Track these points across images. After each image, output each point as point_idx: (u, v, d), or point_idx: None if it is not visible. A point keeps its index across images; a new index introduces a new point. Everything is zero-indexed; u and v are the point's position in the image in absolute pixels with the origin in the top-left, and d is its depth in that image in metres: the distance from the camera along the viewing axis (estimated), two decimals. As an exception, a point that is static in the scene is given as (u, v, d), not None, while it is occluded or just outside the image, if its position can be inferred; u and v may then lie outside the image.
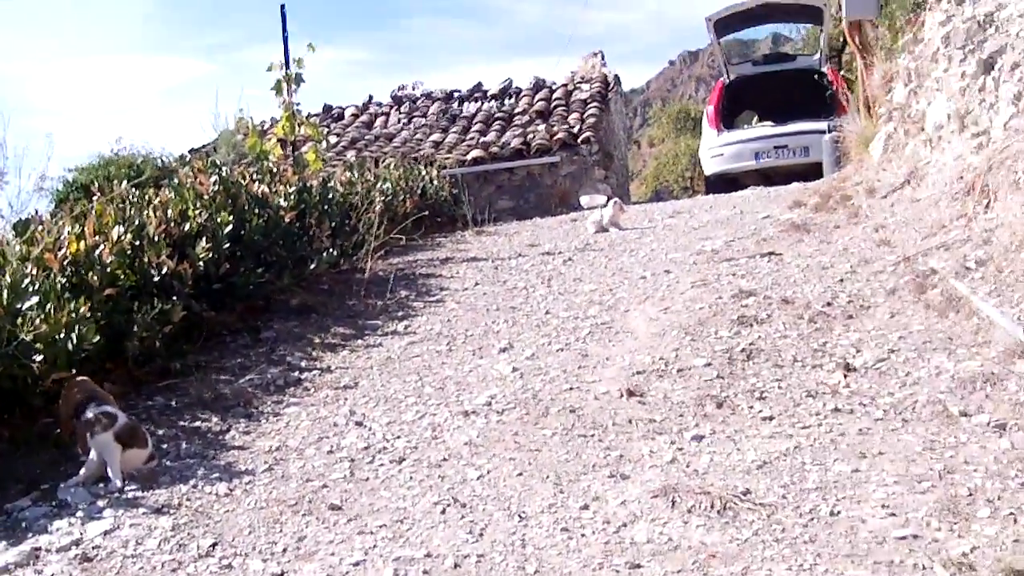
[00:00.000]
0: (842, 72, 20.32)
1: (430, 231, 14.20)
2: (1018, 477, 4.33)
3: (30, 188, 9.70)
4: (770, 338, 6.78)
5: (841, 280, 7.86)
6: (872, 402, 5.55)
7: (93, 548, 4.55)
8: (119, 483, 5.25)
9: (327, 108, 25.61)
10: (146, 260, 7.36)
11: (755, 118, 19.90)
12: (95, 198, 8.20)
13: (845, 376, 5.96)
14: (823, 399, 5.68)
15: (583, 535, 4.31)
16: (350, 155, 19.19)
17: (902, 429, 5.13)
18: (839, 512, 4.23)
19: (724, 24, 20.26)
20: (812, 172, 15.61)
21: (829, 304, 7.31)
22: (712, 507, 4.37)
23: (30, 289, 6.01)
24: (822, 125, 16.37)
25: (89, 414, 5.41)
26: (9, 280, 5.95)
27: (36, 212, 8.41)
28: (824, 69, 19.76)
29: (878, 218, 9.37)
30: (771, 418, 5.49)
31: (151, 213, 7.93)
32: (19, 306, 5.87)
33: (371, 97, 26.12)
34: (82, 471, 5.37)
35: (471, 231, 14.16)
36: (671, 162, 43.98)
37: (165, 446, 5.91)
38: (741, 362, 6.41)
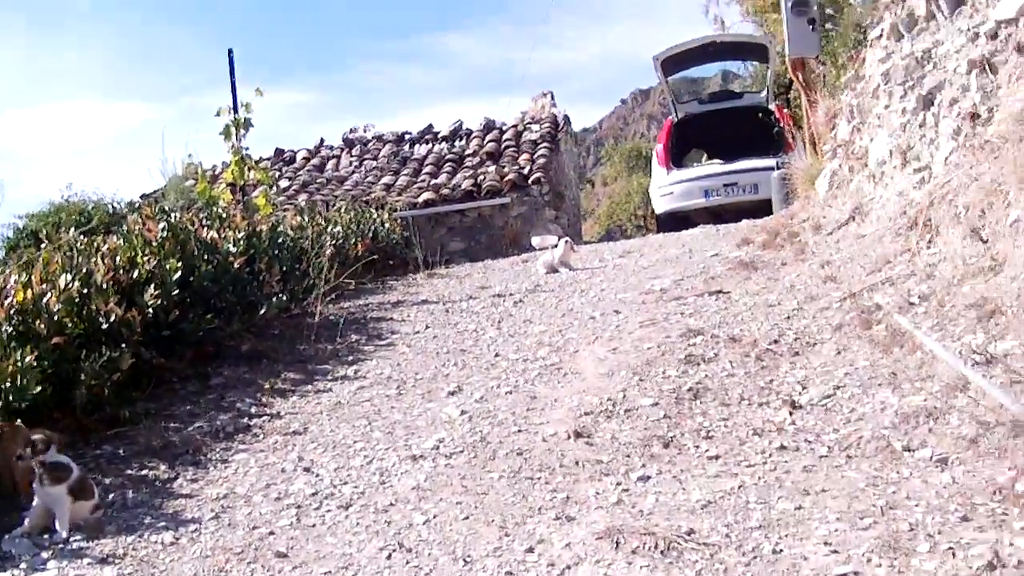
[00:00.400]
0: (789, 109, 20.53)
1: (381, 274, 14.21)
2: (958, 511, 4.36)
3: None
4: (717, 377, 6.82)
5: (788, 317, 7.92)
6: (817, 439, 5.58)
7: (37, 600, 4.53)
8: (65, 534, 5.22)
9: (279, 152, 25.60)
10: (94, 308, 7.33)
11: (704, 156, 20.04)
12: (43, 246, 8.18)
13: (791, 413, 6.00)
14: (769, 437, 5.71)
15: (527, 578, 4.33)
16: (301, 199, 19.18)
17: (846, 465, 5.17)
18: (781, 550, 4.25)
19: (671, 63, 20.44)
20: (761, 209, 15.71)
21: (776, 342, 7.37)
22: (656, 547, 4.39)
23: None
24: (770, 162, 16.52)
25: (40, 463, 5.38)
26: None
27: (-16, 261, 8.40)
28: (771, 106, 19.94)
29: (824, 254, 9.45)
30: (717, 457, 5.52)
31: (99, 260, 7.90)
32: (-36, 356, 5.86)
33: (322, 140, 26.17)
34: (26, 521, 5.33)
35: (422, 274, 14.16)
36: (624, 201, 44.20)
37: (112, 495, 5.87)
38: (688, 401, 6.43)
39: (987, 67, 7.96)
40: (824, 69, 15.95)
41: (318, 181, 22.38)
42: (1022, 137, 6.83)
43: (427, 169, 22.11)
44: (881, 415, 5.70)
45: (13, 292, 6.88)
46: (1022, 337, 5.65)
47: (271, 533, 5.14)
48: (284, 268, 10.33)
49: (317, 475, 5.98)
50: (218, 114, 13.04)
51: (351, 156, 24.44)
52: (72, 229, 8.88)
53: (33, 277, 7.10)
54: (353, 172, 23.02)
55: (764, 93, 20.69)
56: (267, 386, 8.09)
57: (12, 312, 6.71)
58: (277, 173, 21.74)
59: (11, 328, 6.59)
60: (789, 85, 22.07)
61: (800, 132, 17.05)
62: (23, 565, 4.90)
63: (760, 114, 19.90)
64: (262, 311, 9.32)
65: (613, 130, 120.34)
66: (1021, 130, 6.90)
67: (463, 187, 20.08)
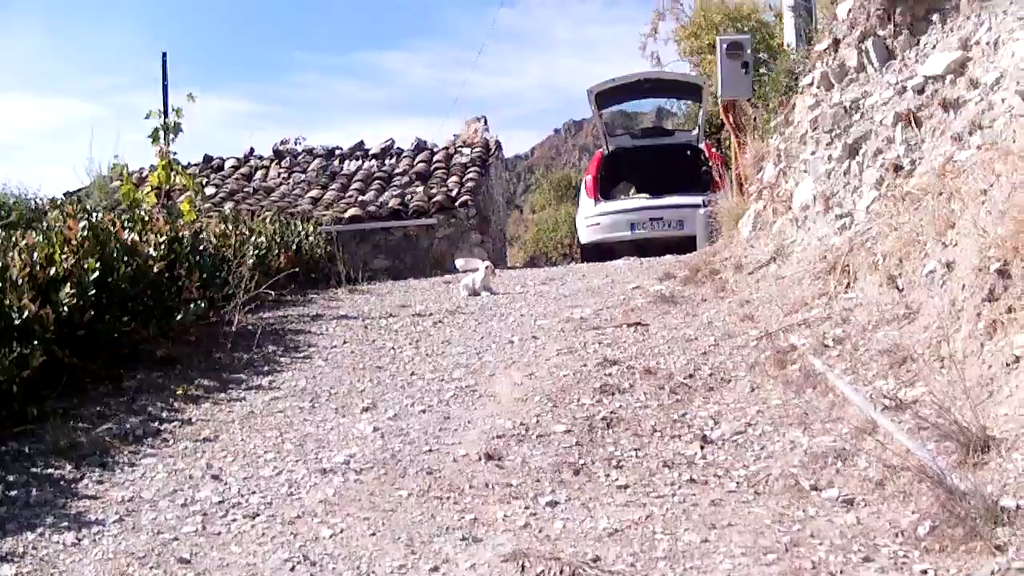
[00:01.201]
0: (719, 149, 20.71)
1: (303, 287, 14.13)
2: (860, 551, 4.42)
3: None
4: (631, 407, 6.87)
5: (704, 353, 7.99)
6: (727, 474, 5.65)
7: (-71, 596, 4.46)
8: None
9: (207, 158, 25.40)
10: (7, 302, 7.23)
11: (632, 190, 20.12)
12: (-41, 238, 8.07)
13: (702, 447, 6.06)
14: (679, 469, 5.76)
15: (430, 597, 4.32)
16: (228, 207, 19.02)
17: (753, 501, 5.23)
18: (685, 582, 4.29)
19: (606, 96, 20.56)
20: (685, 245, 15.85)
21: (691, 376, 7.44)
22: (561, 573, 4.40)
23: None
24: (697, 200, 16.65)
25: None
26: None
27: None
28: (701, 145, 20.12)
29: (744, 293, 9.56)
30: (626, 487, 5.56)
31: (16, 255, 7.80)
32: None
33: (252, 150, 25.97)
34: None
35: (344, 289, 14.10)
36: (551, 229, 44.17)
37: (15, 492, 5.79)
38: (601, 430, 6.48)
39: (912, 121, 8.11)
40: (755, 112, 16.12)
41: (245, 190, 22.23)
42: (942, 191, 6.94)
43: (355, 185, 22.03)
44: (791, 454, 5.77)
45: (-75, 283, 6.78)
46: (931, 384, 5.74)
47: (175, 539, 5.09)
48: (204, 275, 10.24)
49: (225, 483, 5.93)
50: (148, 116, 12.97)
51: (280, 167, 24.30)
52: (-9, 222, 8.77)
53: (-53, 268, 7.01)
54: (281, 184, 22.89)
55: (695, 132, 20.88)
56: (180, 392, 8.00)
57: (-77, 303, 6.62)
58: (205, 179, 21.55)
59: (-79, 319, 6.50)
60: (721, 125, 22.29)
61: (729, 172, 17.22)
62: (-85, 559, 4.83)
63: (690, 152, 20.09)
64: (179, 316, 9.22)
65: (545, 158, 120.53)
66: (941, 184, 7.03)
67: (390, 205, 20.03)
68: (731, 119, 15.38)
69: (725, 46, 15.04)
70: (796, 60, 12.52)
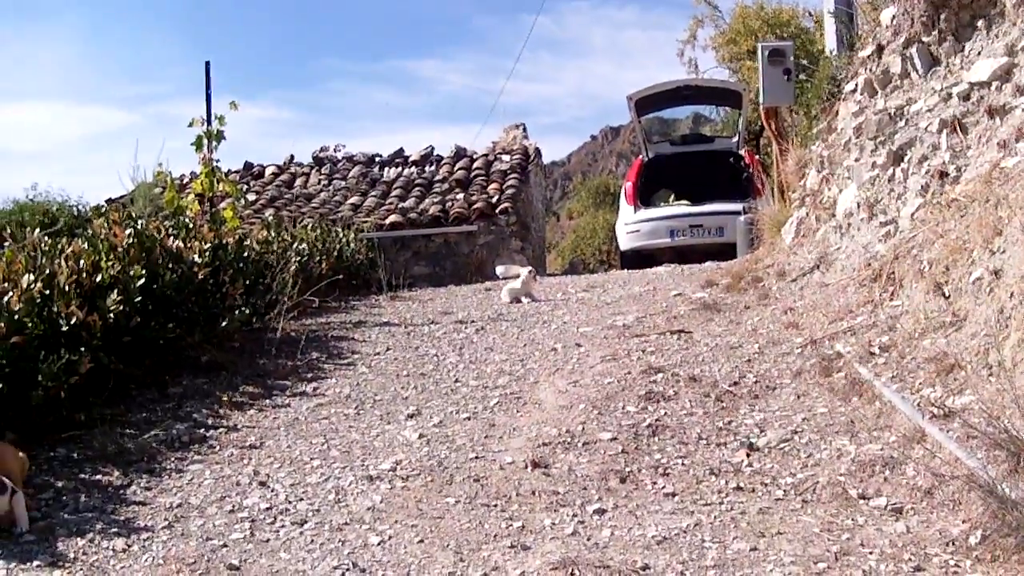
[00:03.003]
0: (759, 156, 20.66)
1: (345, 294, 14.16)
2: (911, 560, 4.40)
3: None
4: (676, 415, 6.85)
5: (749, 360, 7.95)
6: (773, 482, 5.62)
7: (-17, 601, 4.49)
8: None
9: (248, 165, 25.53)
10: (55, 309, 7.28)
11: (672, 196, 20.10)
12: (6, 244, 8.12)
13: (748, 455, 6.03)
14: (726, 477, 5.74)
15: (481, 605, 4.32)
16: (268, 213, 19.11)
17: (801, 510, 5.20)
18: (735, 590, 4.27)
19: (645, 103, 20.55)
20: (726, 252, 15.78)
21: (736, 384, 7.40)
22: (610, 581, 4.40)
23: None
24: (737, 207, 16.58)
25: None
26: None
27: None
28: (741, 152, 20.08)
29: (787, 301, 9.51)
30: (674, 494, 5.54)
31: (63, 262, 7.84)
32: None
33: (292, 157, 26.09)
34: None
35: (386, 296, 14.14)
36: (588, 235, 44.15)
37: (64, 498, 5.84)
38: (647, 438, 6.45)
39: (958, 127, 8.05)
40: (796, 119, 16.06)
41: (286, 197, 22.33)
42: (989, 198, 6.89)
43: (395, 192, 22.09)
44: (838, 462, 5.74)
45: (-27, 290, 6.83)
46: (980, 393, 5.68)
47: (224, 546, 5.11)
48: (248, 282, 10.29)
49: (272, 490, 5.96)
50: (191, 124, 12.98)
51: (320, 174, 24.40)
52: (37, 229, 8.81)
53: (-5, 275, 7.06)
54: (321, 190, 22.98)
55: (735, 139, 20.85)
56: (225, 398, 8.05)
57: (-28, 310, 6.66)
58: (245, 187, 21.67)
59: (-30, 326, 6.54)
60: (760, 132, 22.27)
61: (769, 179, 17.16)
62: (-30, 565, 4.86)
63: (730, 159, 20.04)
64: (224, 323, 9.27)
65: (581, 165, 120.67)
66: (988, 191, 6.97)
67: (431, 212, 20.09)
68: (773, 126, 15.33)
69: (767, 53, 14.97)
70: (838, 66, 12.45)
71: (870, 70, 10.05)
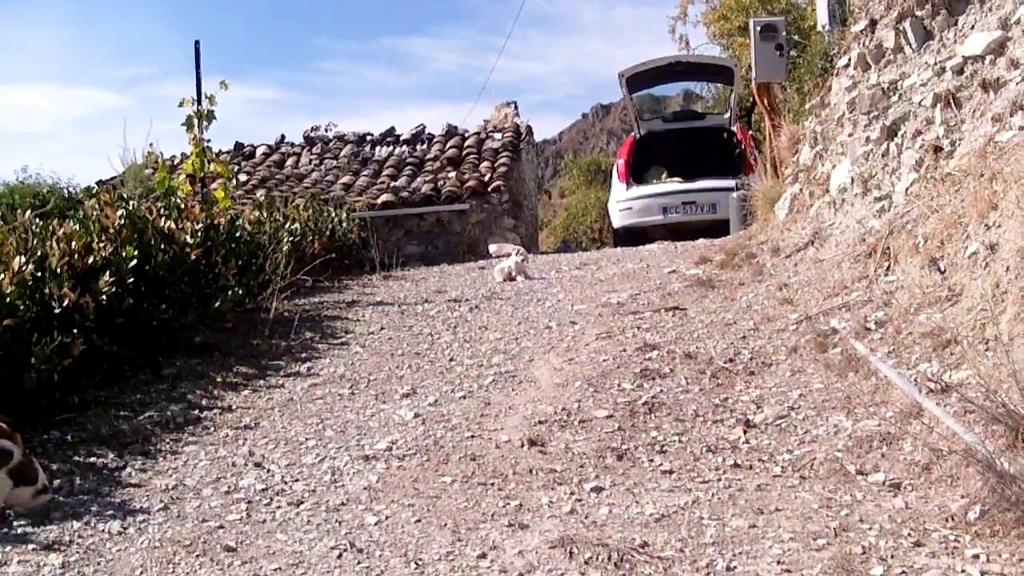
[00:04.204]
0: (751, 132, 20.66)
1: (337, 273, 14.16)
2: (911, 536, 4.38)
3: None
4: (672, 392, 6.84)
5: (744, 337, 7.95)
6: (771, 458, 5.61)
7: (-22, 584, 4.46)
8: None
9: (239, 146, 25.43)
10: (48, 291, 7.25)
11: (664, 174, 20.09)
12: (-3, 226, 8.09)
13: (745, 432, 6.03)
14: (723, 454, 5.73)
15: (479, 584, 4.31)
16: (260, 194, 19.04)
17: (799, 486, 5.19)
18: (735, 567, 4.25)
19: (636, 80, 20.52)
20: (719, 229, 15.81)
21: (731, 360, 7.40)
22: (609, 559, 4.37)
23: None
24: (730, 183, 16.61)
25: None
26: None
27: (-65, 239, 8.26)
28: (733, 128, 20.06)
29: (782, 277, 9.51)
30: (671, 472, 5.53)
31: (55, 244, 7.81)
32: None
33: (283, 137, 26.00)
34: None
35: (379, 275, 14.12)
36: (580, 213, 44.16)
37: (59, 481, 5.80)
38: (643, 415, 6.44)
39: (952, 101, 8.04)
40: (787, 95, 16.06)
41: (277, 177, 22.25)
42: (983, 172, 6.88)
43: (387, 171, 22.02)
44: (835, 438, 5.74)
45: (-35, 272, 6.79)
46: (977, 367, 5.67)
47: (220, 527, 5.09)
48: (240, 262, 10.26)
49: (268, 471, 5.94)
50: (181, 104, 12.96)
51: (311, 154, 24.31)
52: (28, 211, 8.77)
53: (-14, 257, 7.02)
54: (313, 170, 22.90)
55: (727, 115, 20.81)
56: (219, 379, 8.03)
57: (-37, 292, 6.63)
58: (236, 167, 21.55)
59: (-39, 308, 6.51)
60: (751, 108, 22.23)
61: (761, 155, 17.16)
62: (-34, 548, 4.83)
63: (723, 135, 20.04)
64: (217, 304, 9.26)
65: (573, 143, 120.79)
66: (983, 165, 6.96)
67: (423, 191, 20.02)
68: (765, 102, 15.32)
69: (759, 28, 14.98)
70: (831, 41, 12.45)
71: (863, 44, 10.04)
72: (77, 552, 4.81)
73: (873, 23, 9.92)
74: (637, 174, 19.86)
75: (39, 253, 7.54)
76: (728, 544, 4.51)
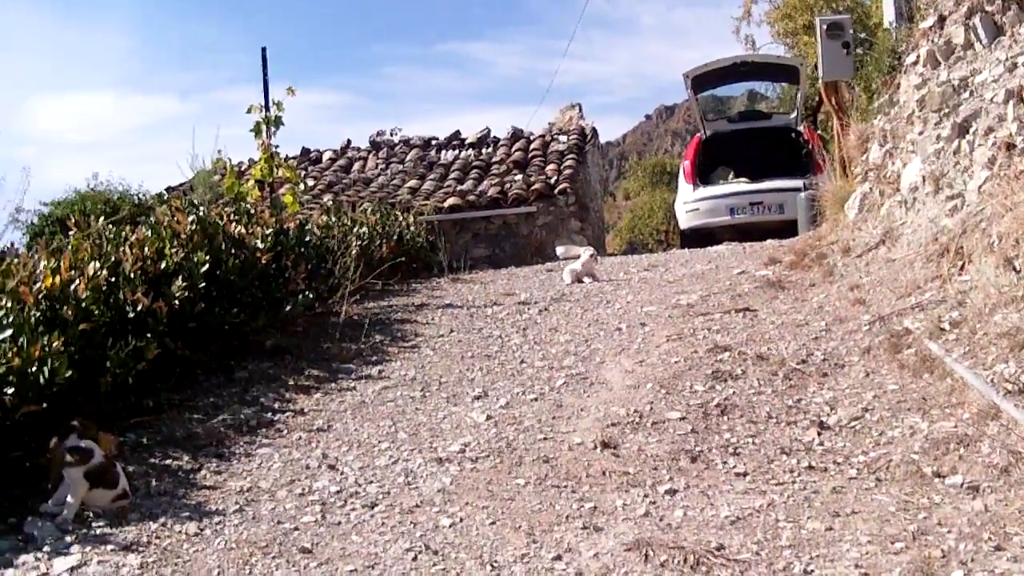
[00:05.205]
0: (818, 131, 20.51)
1: (406, 277, 14.21)
2: (991, 540, 4.32)
3: (4, 220, 9.63)
4: (745, 394, 6.80)
5: (816, 338, 7.89)
6: (846, 460, 5.55)
7: (59, 584, 4.50)
8: (69, 515, 5.19)
9: (305, 151, 25.60)
10: (121, 296, 7.31)
11: (731, 174, 20.00)
12: (71, 233, 8.17)
13: (819, 434, 5.97)
14: (797, 456, 5.68)
15: (556, 586, 4.30)
16: (327, 198, 19.17)
17: (875, 488, 5.13)
18: (812, 571, 4.22)
19: (702, 80, 20.43)
20: (786, 229, 15.72)
21: (804, 361, 7.34)
22: (685, 562, 4.36)
23: (4, 322, 5.95)
24: (797, 183, 16.51)
25: (67, 445, 5.38)
26: (-17, 312, 5.90)
27: (12, 244, 8.36)
28: (800, 128, 19.93)
29: (853, 277, 9.42)
30: (745, 474, 5.49)
31: (127, 250, 7.87)
32: (-7, 339, 5.82)
33: (349, 141, 26.16)
34: (51, 500, 5.34)
35: (447, 278, 14.17)
36: (646, 215, 44.13)
37: (135, 483, 5.84)
38: (716, 417, 6.41)
39: (1024, 98, 7.93)
40: (854, 93, 15.92)
41: (344, 182, 22.37)
42: (1059, 169, 6.79)
43: (453, 175, 22.09)
44: (911, 440, 5.67)
45: (42, 277, 6.84)
46: (1056, 368, 5.60)
47: (296, 529, 5.12)
48: (310, 266, 10.32)
49: (342, 473, 5.97)
50: (249, 111, 13.05)
51: (377, 158, 24.43)
52: (101, 218, 8.86)
53: (62, 263, 7.07)
54: (379, 174, 23.00)
55: (794, 114, 20.66)
56: (291, 382, 8.09)
57: (40, 297, 6.67)
58: (303, 172, 21.72)
59: (39, 313, 6.55)
60: (817, 107, 22.08)
61: (829, 155, 17.04)
62: (46, 548, 4.87)
63: (789, 135, 19.91)
64: (287, 308, 9.32)
65: (636, 145, 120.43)
66: (1058, 161, 6.87)
67: (489, 194, 20.06)
68: (833, 100, 15.21)
69: (825, 27, 14.86)
70: (898, 39, 12.32)
71: (932, 41, 9.93)
72: (155, 553, 4.85)
73: (942, 19, 9.82)
74: (704, 175, 19.81)
75: (113, 259, 7.60)
76: (805, 547, 4.47)
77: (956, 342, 6.77)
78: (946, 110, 9.22)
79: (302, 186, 16.09)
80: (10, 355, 5.78)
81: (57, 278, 6.85)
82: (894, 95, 11.38)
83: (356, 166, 24.19)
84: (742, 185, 19.17)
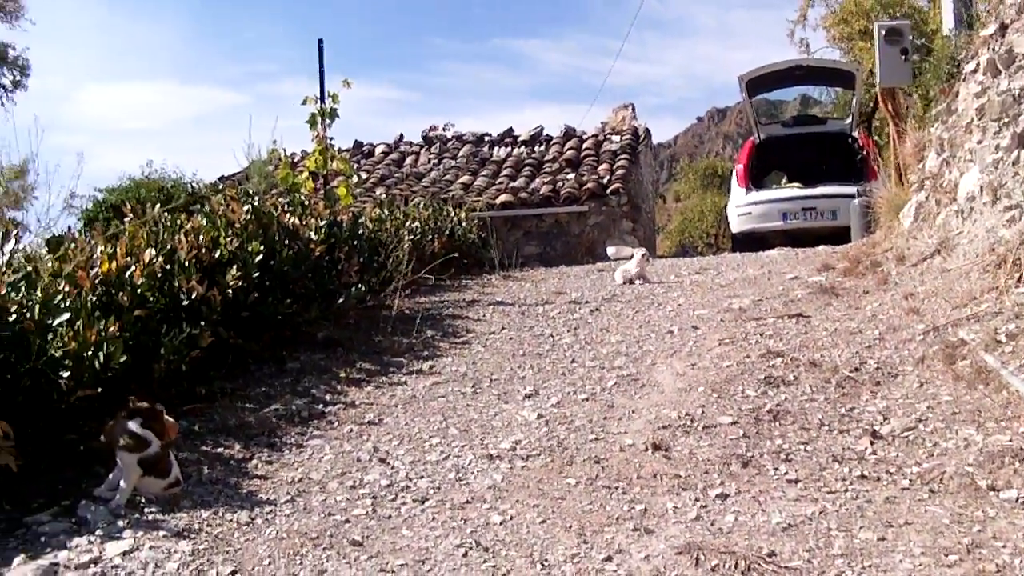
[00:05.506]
0: (872, 137, 20.41)
1: (457, 272, 14.24)
2: (1048, 556, 4.28)
3: (59, 205, 9.70)
4: (797, 400, 6.76)
5: (869, 346, 7.83)
6: (899, 471, 5.50)
7: (112, 567, 4.50)
8: (122, 501, 5.22)
9: (358, 144, 25.71)
10: (176, 284, 7.36)
11: (784, 179, 19.94)
12: (127, 219, 8.21)
13: (872, 443, 5.92)
14: (849, 464, 5.63)
15: (607, 587, 4.28)
16: (379, 192, 19.26)
17: (929, 500, 5.08)
18: (865, 580, 4.19)
19: (756, 84, 20.36)
20: (839, 236, 15.64)
21: (857, 370, 7.28)
22: (736, 567, 4.33)
23: (61, 306, 5.99)
24: (851, 189, 16.45)
25: (123, 430, 5.40)
26: (41, 296, 5.92)
27: (69, 229, 8.40)
28: (855, 134, 19.83)
29: (907, 286, 9.34)
30: (797, 481, 5.45)
31: (183, 238, 7.91)
32: (50, 322, 5.85)
33: (402, 136, 26.25)
34: (104, 484, 5.37)
35: (498, 275, 14.18)
36: (696, 218, 44.01)
37: (187, 470, 5.87)
38: (767, 422, 6.37)
39: (1087, 109, 7.85)
40: (911, 100, 15.82)
41: (396, 176, 22.46)
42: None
43: (505, 171, 22.12)
44: (965, 452, 5.61)
45: (99, 263, 6.89)
46: (1116, 383, 5.53)
47: (346, 521, 5.12)
48: (363, 259, 10.36)
49: (392, 467, 5.97)
50: (304, 102, 13.11)
51: (430, 153, 24.51)
52: (157, 205, 8.91)
53: (119, 250, 7.12)
54: (431, 169, 23.08)
55: (848, 120, 20.55)
56: (342, 374, 8.11)
57: (97, 282, 6.72)
58: (356, 165, 21.79)
59: (95, 298, 6.59)
60: (872, 113, 21.96)
61: (884, 162, 16.93)
62: (99, 532, 4.89)
63: (844, 141, 19.81)
64: (340, 300, 9.36)
65: (688, 147, 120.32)
66: (1120, 175, 6.79)
67: (541, 192, 20.08)
68: (890, 107, 15.10)
69: (883, 32, 14.75)
70: (957, 46, 12.22)
71: (992, 49, 9.83)
72: (206, 540, 4.86)
73: (1003, 27, 9.72)
74: (757, 179, 19.76)
75: (168, 247, 7.65)
76: (857, 556, 4.43)
77: (1012, 355, 6.70)
78: (1006, 120, 9.13)
79: (355, 179, 16.15)
80: (67, 339, 5.82)
81: (114, 264, 6.90)
82: (952, 103, 11.28)
83: (408, 160, 24.27)
84: (795, 190, 19.10)
